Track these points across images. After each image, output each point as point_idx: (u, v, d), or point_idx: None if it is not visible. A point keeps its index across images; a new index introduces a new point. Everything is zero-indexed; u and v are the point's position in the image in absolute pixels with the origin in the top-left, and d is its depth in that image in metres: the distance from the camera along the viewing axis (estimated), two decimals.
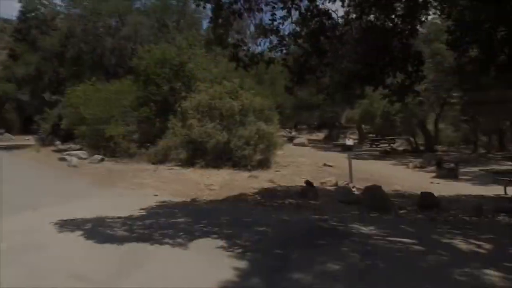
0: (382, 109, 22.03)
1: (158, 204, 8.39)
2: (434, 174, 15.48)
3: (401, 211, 8.63)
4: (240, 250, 5.23)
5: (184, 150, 13.75)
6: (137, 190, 9.93)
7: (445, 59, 17.66)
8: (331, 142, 34.44)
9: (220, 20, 7.20)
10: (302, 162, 15.52)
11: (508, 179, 10.68)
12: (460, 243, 5.91)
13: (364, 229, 6.59)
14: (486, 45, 9.07)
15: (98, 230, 6.17)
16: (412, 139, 26.07)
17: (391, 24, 8.26)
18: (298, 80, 8.85)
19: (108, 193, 9.56)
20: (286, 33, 7.89)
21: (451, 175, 14.70)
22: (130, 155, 15.40)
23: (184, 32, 20.77)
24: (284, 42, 8.24)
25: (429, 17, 10.11)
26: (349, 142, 11.75)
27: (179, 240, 5.67)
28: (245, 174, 12.43)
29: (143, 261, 4.84)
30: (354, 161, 20.01)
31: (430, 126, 26.08)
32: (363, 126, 33.41)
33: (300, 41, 7.77)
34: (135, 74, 17.57)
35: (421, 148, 25.70)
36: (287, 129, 34.41)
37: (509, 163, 17.88)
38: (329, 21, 7.72)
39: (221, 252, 5.15)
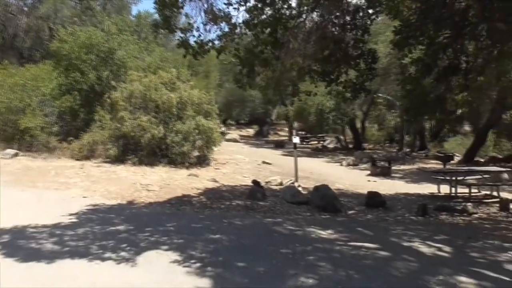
0: (317, 107, 22.25)
1: (89, 208, 7.31)
2: (368, 172, 15.83)
3: (350, 212, 8.49)
4: (198, 265, 4.54)
5: (113, 145, 12.49)
6: (62, 191, 8.66)
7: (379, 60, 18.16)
8: (262, 139, 34.46)
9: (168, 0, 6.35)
10: (240, 160, 14.99)
11: (442, 177, 11.08)
12: (421, 246, 5.77)
13: (324, 234, 6.23)
14: (429, 47, 9.24)
15: (18, 244, 5.06)
16: (342, 137, 26.84)
17: (346, 19, 7.99)
18: (248, 73, 8.27)
19: (27, 195, 8.19)
20: (240, 20, 7.25)
21: (384, 172, 15.13)
22: (50, 150, 13.69)
23: (111, 17, 19.07)
24: (236, 30, 7.60)
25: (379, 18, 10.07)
26: (296, 139, 11.43)
27: (123, 253, 4.81)
28: (184, 172, 11.58)
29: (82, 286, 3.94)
30: (289, 159, 20.13)
31: (357, 124, 27.06)
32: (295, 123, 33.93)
33: (255, 30, 7.18)
34: (55, 58, 15.70)
35: (350, 146, 26.58)
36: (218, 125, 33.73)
37: (433, 161, 19.01)
38: (288, 10, 7.22)
39: (177, 268, 4.42)
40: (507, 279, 4.51)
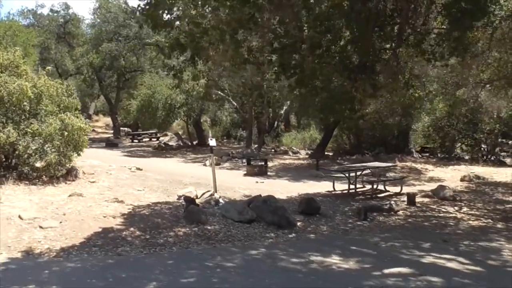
0: (165, 101, 20.29)
1: None
2: (244, 172, 15.17)
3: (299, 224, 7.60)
4: None
5: None
6: None
7: None
8: None
9: None
10: (107, 168, 12.15)
11: (342, 175, 11.30)
12: (444, 262, 5.35)
13: (340, 263, 5.16)
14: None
15: None
16: (185, 134, 25.56)
17: None
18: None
19: None
20: None
21: (262, 172, 14.75)
22: None
23: None
24: None
25: None
26: (212, 142, 9.74)
27: None
28: (56, 191, 8.49)
29: None
30: (151, 161, 17.79)
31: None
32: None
33: None
34: None
35: (194, 143, 25.51)
36: None
37: (289, 157, 19.79)
38: None
39: None
40: None
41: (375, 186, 11.13)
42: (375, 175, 12.45)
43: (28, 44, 17.44)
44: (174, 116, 21.08)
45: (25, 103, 9.20)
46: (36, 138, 9.08)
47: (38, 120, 9.41)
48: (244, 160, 17.99)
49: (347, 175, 11.00)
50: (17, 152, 8.95)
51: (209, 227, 6.66)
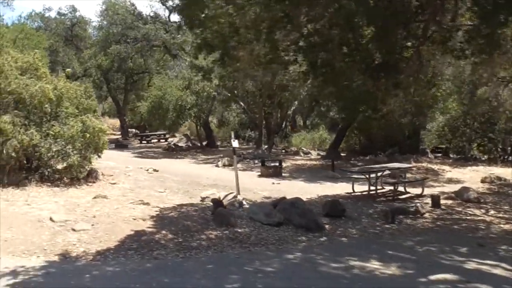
0: (176, 102, 20.21)
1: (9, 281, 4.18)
2: (257, 173, 15.08)
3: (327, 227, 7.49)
4: None
5: None
6: None
7: None
8: None
9: None
10: (124, 169, 12.09)
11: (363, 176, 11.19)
12: (490, 269, 5.20)
13: (383, 269, 5.05)
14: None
15: None
16: (194, 135, 25.48)
17: None
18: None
19: None
20: None
21: (277, 173, 14.65)
22: None
23: None
24: None
25: None
26: (235, 143, 9.64)
27: None
28: (80, 193, 8.42)
29: None
30: (144, 161, 17.69)
31: None
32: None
33: None
34: None
35: (203, 144, 25.44)
36: None
37: (300, 157, 19.70)
38: None
39: None
40: None
41: (394, 188, 11.02)
42: (394, 176, 12.35)
43: (39, 47, 17.41)
44: (184, 117, 21.00)
45: (46, 106, 9.14)
46: (58, 140, 9.02)
47: (59, 122, 9.36)
48: (256, 161, 17.94)
49: (367, 176, 10.88)
50: (38, 154, 8.89)
51: (239, 230, 6.57)
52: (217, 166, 17.60)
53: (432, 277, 4.67)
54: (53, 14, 29.66)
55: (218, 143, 25.99)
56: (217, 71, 8.28)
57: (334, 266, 5.07)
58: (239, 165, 17.87)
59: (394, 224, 7.91)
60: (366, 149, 19.31)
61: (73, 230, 5.83)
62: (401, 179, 11.64)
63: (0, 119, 8.33)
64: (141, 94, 26.99)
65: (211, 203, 7.66)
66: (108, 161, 13.74)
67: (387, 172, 11.63)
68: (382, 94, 9.78)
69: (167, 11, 27.16)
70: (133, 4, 27.49)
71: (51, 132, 9.02)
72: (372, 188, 10.73)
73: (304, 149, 22.51)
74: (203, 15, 5.48)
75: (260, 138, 22.68)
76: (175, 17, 27.83)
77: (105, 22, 28.15)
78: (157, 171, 12.84)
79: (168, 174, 12.31)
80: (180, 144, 25.77)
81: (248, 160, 18.96)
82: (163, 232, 6.10)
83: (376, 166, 12.10)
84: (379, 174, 10.92)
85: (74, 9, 29.01)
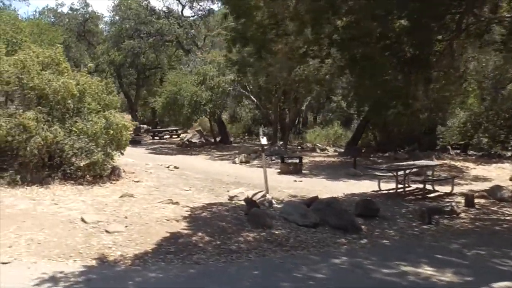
0: (191, 98, 19.93)
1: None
2: (276, 170, 14.78)
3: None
4: None
5: None
6: None
7: None
8: None
9: None
10: (144, 166, 11.87)
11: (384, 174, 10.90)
12: None
13: (441, 277, 4.74)
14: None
15: None
16: (206, 131, 25.24)
17: None
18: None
19: None
20: None
21: (297, 170, 14.34)
22: None
23: None
24: None
25: None
26: (264, 140, 9.36)
27: None
28: (104, 191, 8.19)
29: None
30: (159, 157, 17.47)
31: None
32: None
33: None
34: None
35: (217, 140, 25.20)
36: None
37: (317, 153, 19.36)
38: None
39: None
40: None
41: (421, 186, 10.69)
42: (419, 173, 12.02)
43: (54, 42, 17.20)
44: (199, 113, 20.73)
45: (69, 101, 8.91)
46: (81, 137, 8.79)
47: (82, 118, 9.13)
48: (274, 157, 17.66)
49: (395, 174, 10.55)
50: (59, 151, 8.65)
51: (276, 232, 6.30)
52: (233, 162, 17.34)
53: (495, 285, 4.37)
54: (65, 9, 29.49)
55: (231, 139, 25.75)
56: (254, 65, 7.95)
57: (387, 272, 4.79)
58: (255, 162, 17.72)
59: (431, 224, 7.61)
60: (383, 146, 18.93)
61: (107, 232, 5.58)
62: (428, 176, 11.33)
63: (23, 115, 8.10)
64: (154, 90, 26.76)
65: (244, 203, 7.40)
66: (125, 157, 13.56)
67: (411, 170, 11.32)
68: (413, 89, 9.45)
69: (180, 5, 26.89)
70: None
71: (74, 129, 8.79)
72: (400, 186, 10.43)
73: (319, 145, 22.18)
74: (247, 5, 5.19)
75: (275, 134, 22.35)
76: (187, 12, 27.61)
77: (117, 17, 27.93)
78: (178, 168, 12.60)
79: (188, 171, 12.06)
80: (193, 140, 25.55)
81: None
82: (199, 234, 5.84)
83: (404, 163, 11.75)
84: (407, 171, 10.61)
85: (86, 4, 28.77)
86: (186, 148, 22.75)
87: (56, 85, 8.65)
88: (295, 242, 5.94)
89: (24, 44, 11.00)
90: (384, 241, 6.44)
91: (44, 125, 8.35)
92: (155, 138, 27.15)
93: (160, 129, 28.47)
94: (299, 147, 21.82)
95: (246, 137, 28.43)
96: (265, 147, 9.60)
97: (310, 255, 5.42)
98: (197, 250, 5.30)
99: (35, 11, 44.48)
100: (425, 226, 7.49)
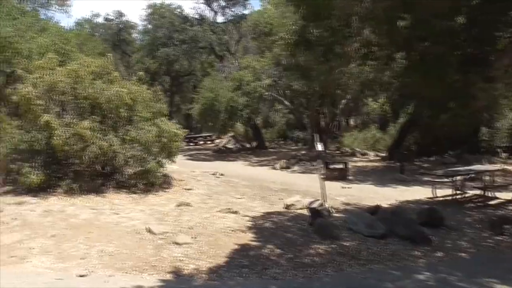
0: (227, 103, 19.88)
1: None
2: (322, 177, 14.40)
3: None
4: None
5: (31, 167, 7.97)
6: (20, 265, 4.57)
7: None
8: None
9: None
10: (191, 173, 11.79)
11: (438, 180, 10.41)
12: None
13: None
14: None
15: None
16: (240, 137, 25.16)
17: None
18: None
19: None
20: None
21: (343, 176, 13.99)
22: None
23: None
24: None
25: None
26: (320, 147, 9.11)
27: None
28: (160, 200, 8.10)
29: None
30: (198, 163, 17.38)
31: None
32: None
33: None
34: None
35: (253, 145, 25.11)
36: None
37: (358, 158, 18.90)
38: None
39: None
40: None
41: (478, 192, 10.14)
42: (473, 179, 11.42)
43: (95, 52, 17.53)
44: (236, 118, 20.66)
45: (121, 110, 8.91)
46: (134, 145, 8.77)
47: (134, 126, 9.11)
48: (314, 163, 17.33)
49: (452, 179, 10.06)
50: (112, 160, 8.62)
51: (345, 244, 6.00)
52: (274, 168, 17.14)
53: None
54: (100, 19, 30.15)
55: (267, 144, 25.57)
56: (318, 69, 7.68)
57: None
58: (296, 167, 17.45)
59: (504, 235, 7.13)
60: (426, 149, 18.23)
61: (176, 243, 5.43)
62: (486, 182, 10.74)
63: (80, 124, 8.12)
64: (189, 96, 26.97)
65: (302, 212, 7.16)
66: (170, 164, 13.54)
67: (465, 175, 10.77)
68: (473, 89, 8.98)
69: (212, 12, 27.03)
70: (179, 7, 27.52)
71: (127, 137, 8.77)
72: (458, 192, 9.93)
73: (359, 149, 21.66)
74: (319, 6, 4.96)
75: (313, 139, 22.00)
76: (220, 18, 27.72)
77: (150, 26, 28.33)
78: (223, 175, 12.47)
79: (234, 178, 11.91)
80: (229, 146, 25.54)
81: (304, 162, 18.37)
82: (269, 246, 5.61)
83: (461, 168, 11.21)
84: (466, 177, 10.12)
85: (120, 14, 29.36)
86: (222, 154, 22.73)
87: (109, 94, 8.67)
88: (368, 255, 5.63)
89: (73, 55, 11.15)
90: (461, 254, 6.03)
91: (99, 133, 8.36)
92: (190, 144, 27.26)
93: (195, 135, 28.61)
94: (337, 152, 21.41)
95: (281, 142, 28.19)
96: (322, 154, 9.24)
97: (390, 270, 5.09)
98: (270, 264, 5.06)
99: (75, 22, 45.83)
100: (498, 237, 7.02)
